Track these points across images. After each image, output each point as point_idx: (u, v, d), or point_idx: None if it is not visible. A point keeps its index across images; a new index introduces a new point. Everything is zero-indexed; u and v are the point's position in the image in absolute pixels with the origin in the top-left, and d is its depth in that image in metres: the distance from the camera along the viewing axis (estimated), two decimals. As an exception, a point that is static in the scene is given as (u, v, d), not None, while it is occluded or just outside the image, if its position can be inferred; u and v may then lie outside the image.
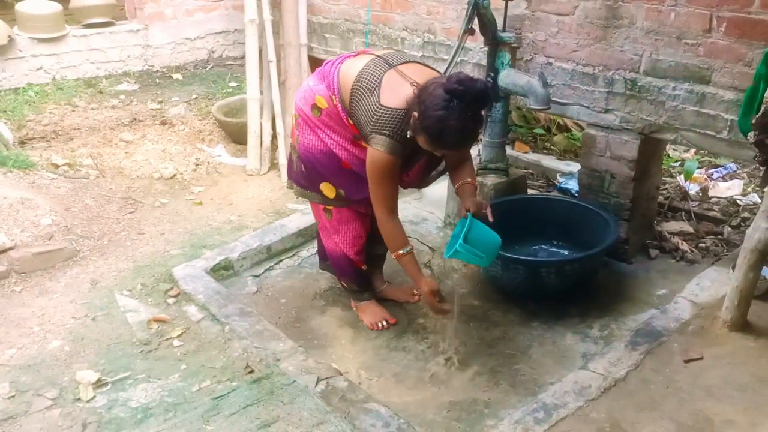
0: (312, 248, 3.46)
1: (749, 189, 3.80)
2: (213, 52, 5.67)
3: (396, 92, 2.39)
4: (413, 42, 3.98)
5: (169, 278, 3.15)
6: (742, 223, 3.45)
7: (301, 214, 3.64)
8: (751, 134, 2.29)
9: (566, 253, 3.20)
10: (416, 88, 2.35)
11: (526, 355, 2.71)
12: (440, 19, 3.79)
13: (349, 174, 2.65)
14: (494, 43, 3.16)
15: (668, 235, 3.36)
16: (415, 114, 2.29)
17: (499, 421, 2.29)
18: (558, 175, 4.08)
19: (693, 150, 4.22)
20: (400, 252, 2.56)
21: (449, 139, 2.27)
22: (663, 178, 3.77)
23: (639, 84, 2.97)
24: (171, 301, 3.00)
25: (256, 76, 4.36)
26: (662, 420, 2.19)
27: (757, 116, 2.25)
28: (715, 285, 2.85)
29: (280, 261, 3.43)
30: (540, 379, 2.58)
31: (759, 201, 3.55)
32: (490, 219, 2.56)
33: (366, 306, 2.97)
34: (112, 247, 3.43)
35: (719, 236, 3.37)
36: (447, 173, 2.79)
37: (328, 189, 2.70)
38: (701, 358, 2.44)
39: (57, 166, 4.13)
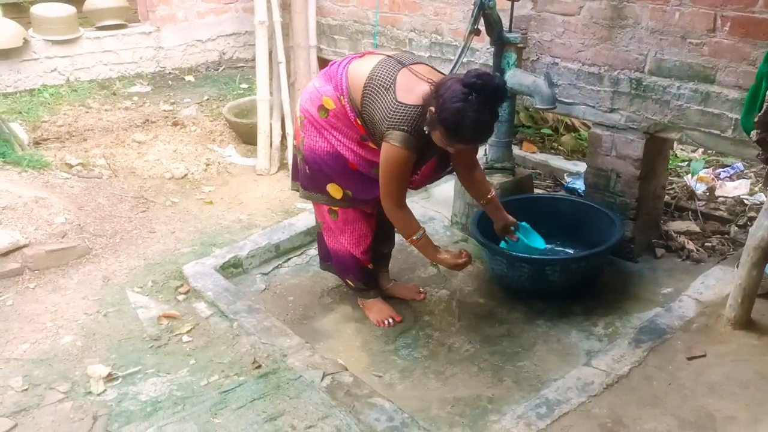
0: (318, 246, 3.50)
1: (756, 188, 3.79)
2: (224, 53, 5.73)
3: (411, 90, 2.43)
4: (421, 43, 4.01)
5: (180, 275, 3.20)
6: (748, 222, 3.45)
7: (309, 213, 3.67)
8: (753, 132, 2.30)
9: (572, 251, 3.22)
10: (432, 85, 2.39)
11: (531, 352, 2.73)
12: (447, 20, 3.82)
13: (356, 174, 2.69)
14: (500, 43, 3.19)
15: (674, 235, 3.37)
16: (432, 109, 2.33)
17: (502, 416, 2.31)
18: (565, 175, 4.10)
19: (700, 150, 4.22)
20: (414, 237, 2.63)
21: (466, 131, 2.31)
22: (670, 178, 3.78)
23: (644, 83, 2.99)
24: (181, 297, 3.05)
25: (266, 78, 4.41)
26: (664, 416, 2.21)
27: (759, 114, 2.27)
28: (720, 283, 2.86)
29: (289, 259, 3.47)
30: (543, 375, 2.60)
31: (766, 200, 3.55)
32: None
33: (372, 303, 3.01)
34: (124, 245, 3.49)
35: (726, 235, 3.38)
36: (452, 172, 2.85)
37: (335, 190, 2.73)
38: (704, 356, 2.46)
39: (71, 166, 4.20)
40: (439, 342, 2.83)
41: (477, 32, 3.08)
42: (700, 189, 3.75)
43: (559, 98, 3.22)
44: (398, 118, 2.40)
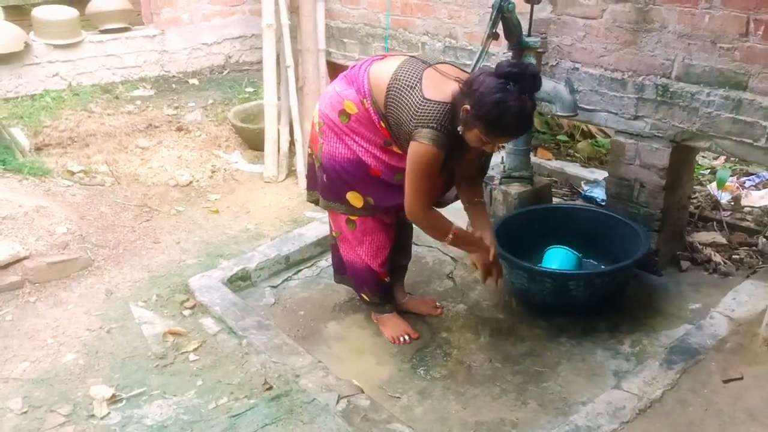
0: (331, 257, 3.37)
1: (784, 198, 3.66)
2: (230, 57, 5.60)
3: (439, 87, 2.32)
4: (434, 47, 3.88)
5: (185, 289, 3.08)
6: (777, 234, 3.33)
7: (320, 223, 3.56)
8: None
9: (593, 263, 3.09)
10: (461, 83, 2.28)
11: (555, 372, 2.61)
12: (462, 24, 3.70)
13: (378, 181, 2.57)
14: (519, 48, 3.07)
15: (700, 246, 3.24)
16: (467, 107, 2.22)
17: (529, 444, 2.19)
18: (582, 182, 3.97)
19: (722, 157, 4.09)
20: (450, 236, 2.51)
21: (509, 122, 2.22)
22: (693, 187, 3.64)
23: (671, 90, 2.86)
24: (187, 312, 2.93)
25: (273, 82, 4.29)
26: (702, 444, 2.08)
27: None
28: (752, 299, 2.73)
29: (299, 271, 3.35)
30: (570, 398, 2.47)
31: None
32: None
33: (387, 319, 2.88)
34: (128, 257, 3.37)
35: (754, 247, 3.25)
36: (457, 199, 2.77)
37: (355, 198, 2.60)
38: (741, 378, 2.33)
39: (72, 173, 4.08)
40: (458, 360, 2.71)
41: (495, 36, 2.97)
42: (724, 198, 3.62)
43: (579, 105, 3.10)
44: (426, 116, 2.29)
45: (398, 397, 2.52)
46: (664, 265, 3.16)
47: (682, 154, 3.02)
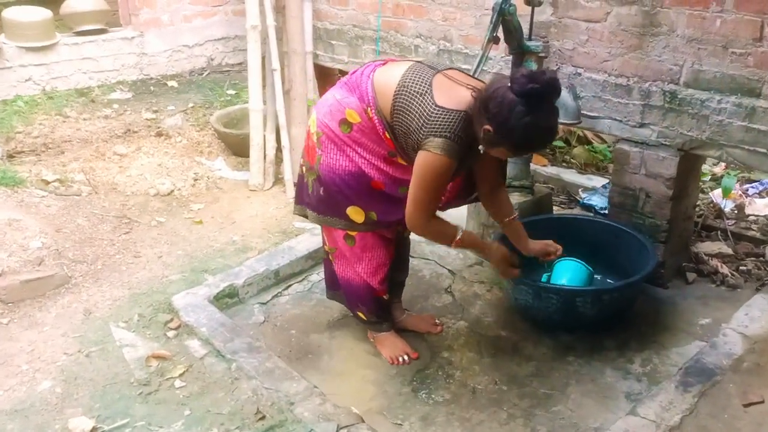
0: (323, 272, 3.21)
1: (792, 207, 3.57)
2: (212, 59, 5.41)
3: (450, 95, 2.18)
4: (428, 50, 3.74)
5: (169, 308, 2.90)
6: (785, 244, 3.24)
7: (310, 235, 3.40)
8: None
9: (598, 278, 2.96)
10: (475, 92, 2.15)
11: (564, 395, 2.47)
12: (457, 26, 3.56)
13: (381, 195, 2.42)
14: (520, 52, 2.94)
15: (706, 257, 3.14)
16: (488, 128, 2.08)
17: (543, 477, 2.05)
18: (580, 190, 3.86)
19: (723, 164, 4.00)
20: (458, 238, 2.39)
21: (538, 142, 2.19)
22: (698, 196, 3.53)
23: (679, 96, 2.75)
24: (171, 334, 2.75)
25: (258, 86, 4.12)
26: (727, 476, 1.96)
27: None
28: (765, 315, 2.63)
29: (289, 286, 3.18)
30: (582, 423, 2.34)
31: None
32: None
33: (385, 338, 2.73)
34: (107, 273, 3.18)
35: (761, 258, 3.15)
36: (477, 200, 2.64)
37: (356, 213, 2.44)
38: (762, 402, 2.21)
39: (47, 183, 3.87)
40: (462, 383, 2.56)
41: (496, 40, 2.84)
42: (727, 207, 3.52)
43: (582, 111, 2.98)
44: (439, 124, 2.14)
45: (400, 424, 2.38)
46: (669, 278, 3.06)
47: (689, 163, 2.91)
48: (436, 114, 2.15)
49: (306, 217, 2.62)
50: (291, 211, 3.71)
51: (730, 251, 3.18)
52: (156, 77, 5.22)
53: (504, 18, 2.78)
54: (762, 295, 2.77)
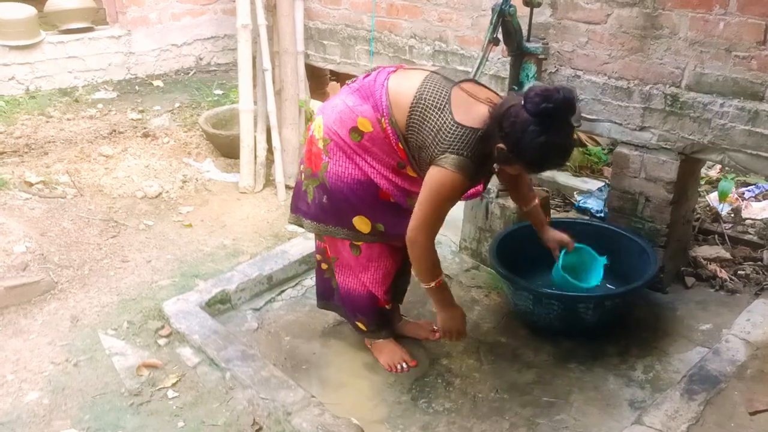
0: (316, 278, 3.15)
1: (789, 210, 3.56)
2: (201, 59, 5.32)
3: (469, 111, 2.12)
4: (422, 50, 3.68)
5: (159, 314, 2.82)
6: (783, 248, 3.22)
7: (303, 239, 3.33)
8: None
9: (599, 283, 2.92)
10: (492, 108, 2.10)
11: (567, 403, 2.43)
12: (453, 27, 3.50)
13: (388, 206, 2.35)
14: (519, 54, 2.89)
15: (704, 262, 3.11)
16: (502, 146, 2.04)
17: (550, 489, 2.01)
18: (575, 193, 3.82)
19: (718, 167, 3.98)
20: (440, 279, 2.33)
21: (555, 160, 2.13)
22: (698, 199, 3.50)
23: (681, 100, 2.72)
24: (162, 342, 2.67)
25: (249, 86, 4.04)
26: (737, 487, 1.92)
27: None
28: (767, 320, 2.59)
29: (282, 291, 3.11)
30: (586, 432, 2.30)
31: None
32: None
33: (383, 345, 2.67)
34: (94, 278, 3.09)
35: (759, 262, 3.13)
36: None
37: (362, 223, 2.37)
38: (768, 410, 2.18)
39: (31, 185, 3.77)
40: (462, 391, 2.51)
41: (496, 42, 2.79)
42: (724, 210, 3.50)
43: (581, 114, 2.94)
44: (457, 142, 2.09)
45: (401, 435, 2.32)
46: (669, 282, 3.03)
47: (690, 167, 2.88)
48: (455, 131, 2.09)
49: (302, 226, 2.54)
50: (283, 214, 3.69)
51: (728, 255, 3.16)
52: (143, 77, 5.12)
53: (504, 19, 2.74)
54: (762, 300, 2.73)
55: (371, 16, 3.90)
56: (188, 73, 5.51)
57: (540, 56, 2.90)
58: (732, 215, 3.51)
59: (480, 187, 2.53)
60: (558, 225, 3.11)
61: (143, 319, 2.80)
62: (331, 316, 2.90)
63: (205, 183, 4.10)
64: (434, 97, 2.14)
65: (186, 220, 3.66)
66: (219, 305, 2.93)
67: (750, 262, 3.14)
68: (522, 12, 2.87)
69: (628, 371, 2.58)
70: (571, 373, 2.58)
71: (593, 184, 3.87)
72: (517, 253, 2.82)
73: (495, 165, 2.16)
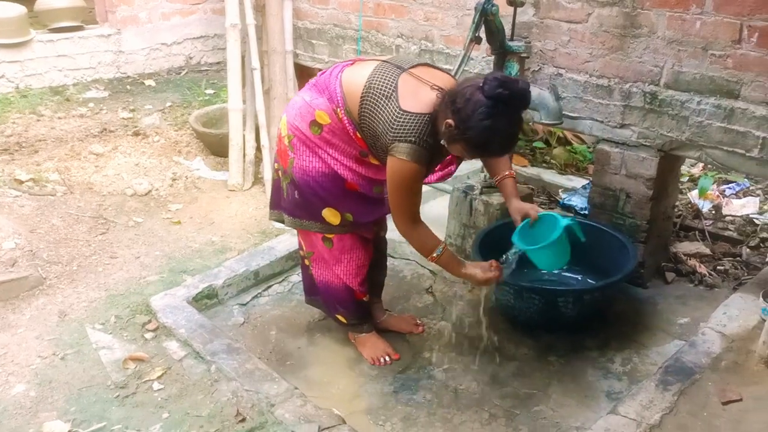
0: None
1: (766, 207, 3.61)
2: (191, 58, 5.35)
3: (416, 96, 2.16)
4: (409, 50, 3.73)
5: (147, 309, 2.85)
6: (761, 244, 3.27)
7: (290, 235, 3.36)
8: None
9: (579, 278, 2.98)
10: (440, 92, 2.13)
11: (546, 395, 2.48)
12: (439, 26, 3.55)
13: (355, 196, 2.40)
14: (502, 52, 2.94)
15: (684, 257, 3.16)
16: (450, 122, 2.06)
17: (526, 477, 2.05)
18: (560, 190, 3.87)
19: (701, 165, 4.04)
20: (435, 254, 2.31)
21: (495, 146, 2.12)
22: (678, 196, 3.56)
23: (659, 97, 2.77)
24: (149, 335, 2.70)
25: (238, 85, 4.08)
26: (708, 474, 1.97)
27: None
28: (743, 314, 2.64)
29: (269, 287, 3.15)
30: (563, 423, 2.34)
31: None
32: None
33: (366, 339, 2.72)
34: (82, 274, 3.12)
35: (738, 258, 3.18)
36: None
37: (332, 215, 2.43)
38: (740, 400, 2.23)
39: (21, 182, 3.80)
40: (443, 383, 2.55)
41: (478, 40, 2.83)
42: (705, 207, 3.55)
43: (563, 112, 2.98)
44: (404, 129, 2.12)
45: (382, 425, 2.36)
46: (649, 277, 3.08)
47: (669, 164, 2.93)
48: (402, 118, 2.13)
49: (283, 222, 2.59)
50: (271, 212, 3.72)
51: (707, 251, 3.21)
52: (133, 76, 5.15)
53: (486, 18, 2.78)
54: (740, 295, 2.79)
55: (359, 16, 3.94)
56: (180, 73, 5.54)
57: (522, 55, 2.94)
58: (713, 212, 3.56)
59: (452, 168, 2.56)
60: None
61: (131, 314, 2.83)
62: (317, 312, 2.94)
63: (195, 181, 4.13)
64: (382, 86, 2.18)
65: (175, 218, 3.70)
66: (206, 300, 2.97)
67: (729, 258, 3.19)
68: (506, 11, 2.91)
69: (607, 364, 2.63)
70: (550, 366, 2.62)
71: (578, 182, 3.92)
72: (500, 249, 2.86)
73: (443, 141, 2.13)
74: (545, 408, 2.42)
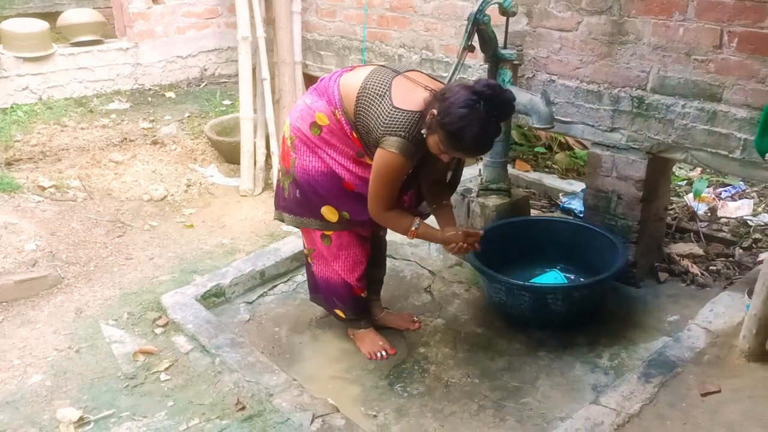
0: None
1: (760, 209, 3.67)
2: (205, 70, 5.55)
3: (408, 96, 2.30)
4: (411, 59, 3.87)
5: (158, 306, 3.01)
6: (753, 245, 3.33)
7: (296, 237, 3.50)
8: (768, 155, 2.17)
9: (572, 277, 3.07)
10: (432, 92, 2.27)
11: (534, 387, 2.57)
12: (438, 36, 3.69)
13: (352, 195, 2.53)
14: (495, 60, 3.05)
15: (677, 258, 3.23)
16: (434, 111, 2.20)
17: (507, 462, 2.15)
18: (561, 194, 3.97)
19: (699, 169, 4.10)
20: (413, 229, 2.45)
21: (467, 140, 2.19)
22: (670, 198, 3.64)
23: (646, 102, 2.86)
24: (159, 331, 2.85)
25: (249, 95, 4.25)
26: (681, 460, 2.05)
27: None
28: (729, 311, 2.72)
29: (274, 286, 3.29)
30: (549, 413, 2.44)
31: (770, 221, 3.45)
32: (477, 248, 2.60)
33: (364, 334, 2.84)
34: (99, 274, 3.29)
35: (730, 258, 3.25)
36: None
37: (330, 213, 2.56)
38: (719, 391, 2.30)
39: (43, 189, 4.00)
40: (436, 376, 2.66)
41: (471, 49, 2.95)
42: (701, 209, 3.62)
43: (556, 117, 3.08)
44: (395, 124, 2.27)
45: (375, 416, 2.47)
46: (642, 277, 3.15)
47: (659, 166, 3.01)
48: (392, 114, 2.27)
49: (283, 221, 2.74)
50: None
51: (701, 252, 3.28)
52: (151, 87, 5.35)
53: (478, 27, 2.90)
54: (728, 293, 2.86)
55: (363, 28, 4.09)
56: (199, 85, 5.74)
57: (515, 62, 3.06)
58: (709, 214, 3.63)
59: None
60: (537, 223, 3.29)
61: (142, 311, 2.99)
62: (319, 310, 3.07)
63: (209, 187, 4.30)
64: (376, 86, 2.33)
65: (188, 221, 3.87)
66: (214, 298, 3.12)
67: (722, 258, 3.26)
68: (500, 21, 3.04)
69: (595, 359, 2.71)
70: (540, 361, 2.72)
71: (578, 186, 4.01)
72: (496, 249, 2.97)
73: (423, 131, 2.23)
74: (532, 400, 2.51)
